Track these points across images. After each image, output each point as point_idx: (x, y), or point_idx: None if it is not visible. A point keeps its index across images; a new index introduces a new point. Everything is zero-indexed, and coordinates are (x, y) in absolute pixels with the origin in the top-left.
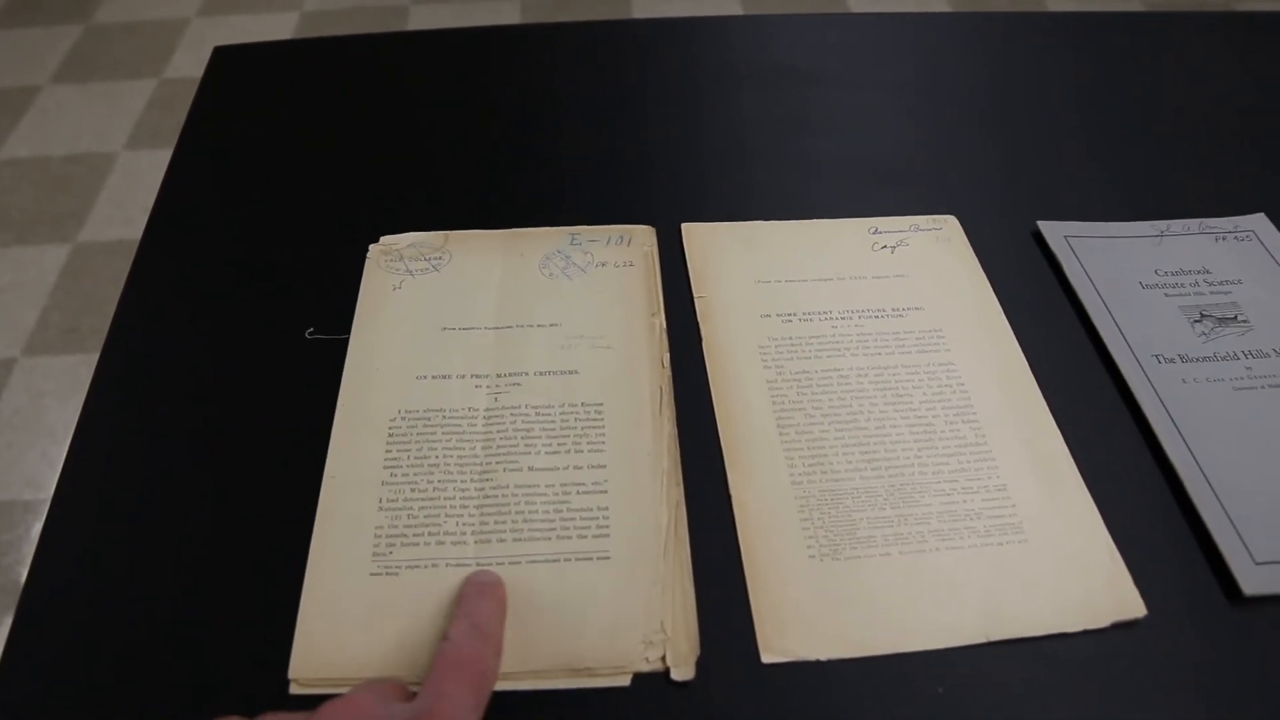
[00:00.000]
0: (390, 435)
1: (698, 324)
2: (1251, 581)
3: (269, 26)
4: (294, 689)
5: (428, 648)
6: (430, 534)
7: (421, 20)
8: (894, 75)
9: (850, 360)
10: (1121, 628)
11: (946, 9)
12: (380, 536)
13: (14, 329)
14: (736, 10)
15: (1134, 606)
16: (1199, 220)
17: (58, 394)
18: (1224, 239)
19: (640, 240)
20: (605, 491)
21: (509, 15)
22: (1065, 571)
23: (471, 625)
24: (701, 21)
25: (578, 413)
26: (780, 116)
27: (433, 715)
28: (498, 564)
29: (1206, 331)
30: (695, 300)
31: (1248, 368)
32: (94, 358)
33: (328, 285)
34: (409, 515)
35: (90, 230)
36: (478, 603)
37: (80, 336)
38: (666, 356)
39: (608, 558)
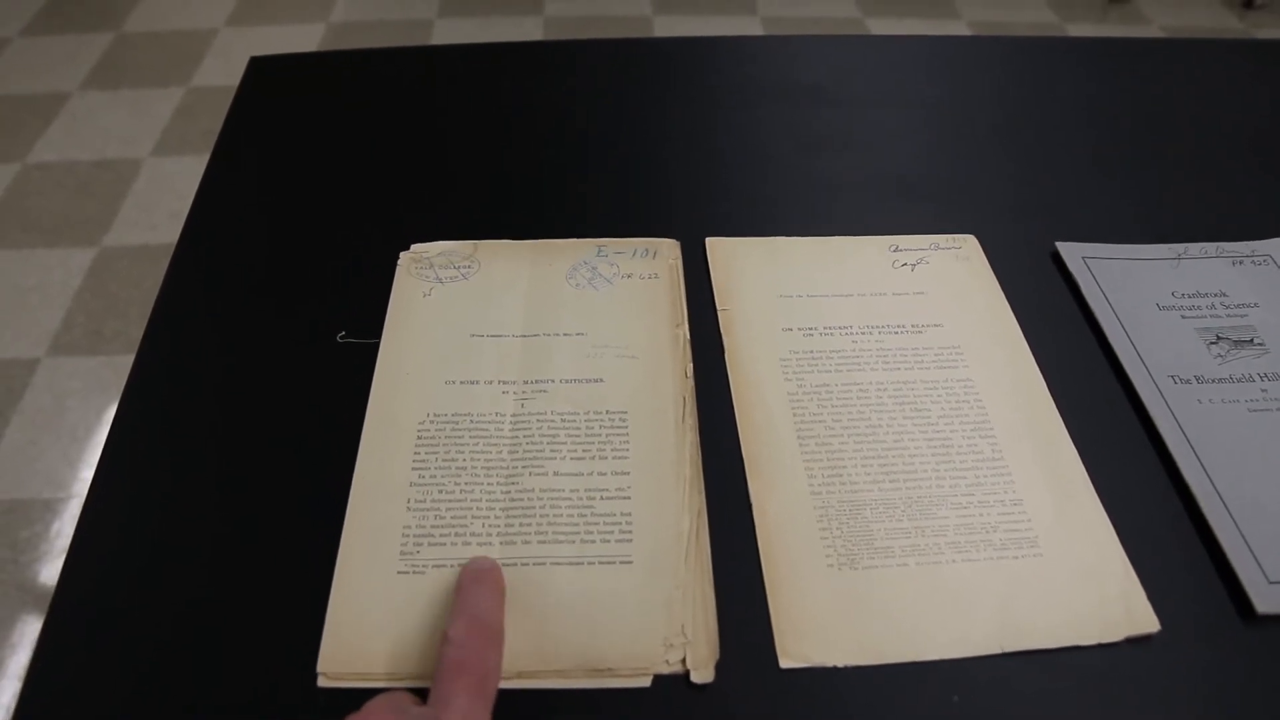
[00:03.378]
0: (419, 438)
1: (720, 336)
2: (1265, 600)
3: (296, 37)
4: (322, 682)
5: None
6: (456, 534)
7: (446, 34)
8: (914, 96)
9: (870, 375)
10: (1135, 643)
11: (966, 33)
12: (408, 536)
13: (39, 330)
14: (758, 31)
15: (1147, 622)
16: (1216, 244)
17: (81, 394)
18: (1241, 263)
19: (665, 253)
20: (629, 498)
21: (531, 30)
22: (1079, 585)
23: (470, 620)
24: (724, 41)
25: (603, 420)
26: (802, 135)
27: None
28: (522, 564)
29: (1223, 353)
30: (718, 313)
31: (1263, 390)
32: (117, 360)
33: (359, 291)
34: (436, 516)
35: (115, 235)
36: (475, 591)
37: (104, 339)
38: (690, 367)
39: (630, 562)
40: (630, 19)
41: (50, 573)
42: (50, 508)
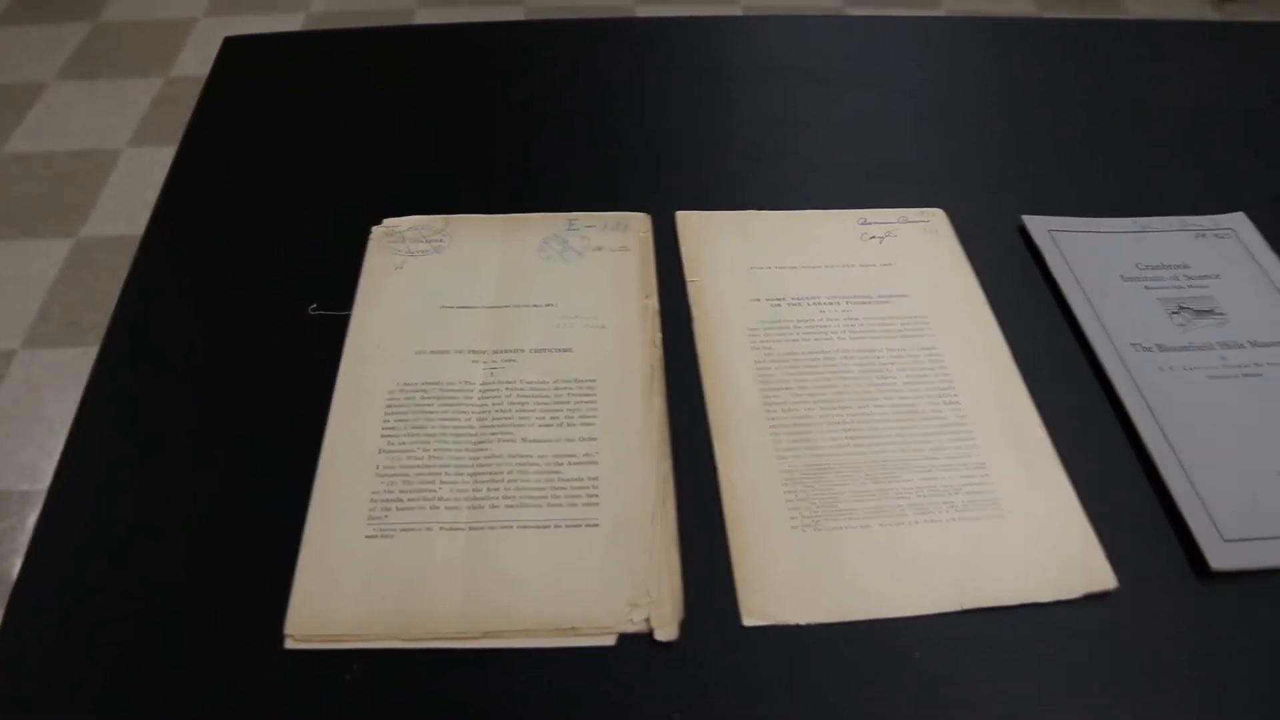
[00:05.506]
0: (389, 406)
1: (689, 307)
2: (1220, 557)
3: (276, 26)
4: (289, 644)
5: (417, 606)
6: (425, 499)
7: (427, 22)
8: (889, 76)
9: (837, 343)
10: (1093, 599)
11: (941, 14)
12: (376, 501)
13: (15, 321)
14: (737, 13)
15: (1105, 579)
16: (1180, 218)
17: (57, 386)
18: (1204, 236)
19: (636, 227)
20: (596, 463)
21: (513, 18)
22: (1039, 545)
23: None
24: (701, 21)
25: (571, 388)
26: (776, 113)
27: None
28: (489, 528)
29: (1184, 323)
30: (688, 284)
31: (1222, 357)
32: (94, 351)
33: (331, 266)
34: (405, 481)
35: (93, 225)
36: None
37: (80, 330)
38: (658, 337)
39: (597, 525)
40: (612, 8)
41: None
42: (27, 500)
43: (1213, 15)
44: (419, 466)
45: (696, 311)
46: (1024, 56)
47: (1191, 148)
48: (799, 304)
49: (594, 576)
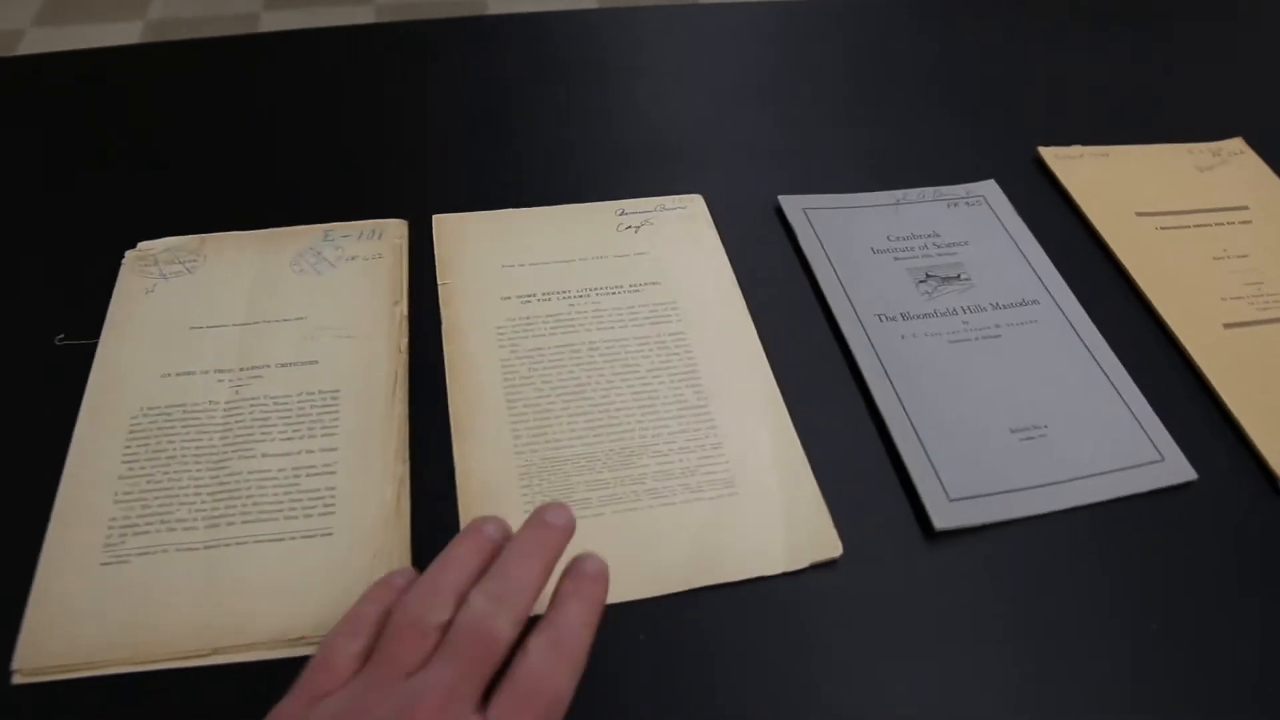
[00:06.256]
0: (131, 432)
1: (441, 310)
2: (943, 516)
3: (110, 37)
4: (17, 679)
5: (151, 629)
6: (161, 522)
7: (273, 26)
8: (669, 64)
9: (583, 335)
10: (820, 568)
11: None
12: (113, 528)
13: None
14: (592, 6)
15: (831, 548)
16: (935, 188)
17: None
18: (955, 205)
19: (391, 234)
20: (334, 473)
21: (363, 18)
22: (770, 519)
23: (553, 639)
24: (486, 20)
25: (314, 400)
26: (551, 110)
27: None
28: (225, 545)
29: (930, 291)
30: (439, 287)
31: (965, 321)
32: None
33: (82, 294)
34: (143, 506)
35: None
36: (568, 606)
37: None
38: (404, 342)
39: (331, 534)
40: (466, 5)
41: None
42: None
43: None
44: (158, 490)
45: (446, 313)
46: (795, 41)
47: (952, 120)
48: (549, 299)
49: (327, 585)
